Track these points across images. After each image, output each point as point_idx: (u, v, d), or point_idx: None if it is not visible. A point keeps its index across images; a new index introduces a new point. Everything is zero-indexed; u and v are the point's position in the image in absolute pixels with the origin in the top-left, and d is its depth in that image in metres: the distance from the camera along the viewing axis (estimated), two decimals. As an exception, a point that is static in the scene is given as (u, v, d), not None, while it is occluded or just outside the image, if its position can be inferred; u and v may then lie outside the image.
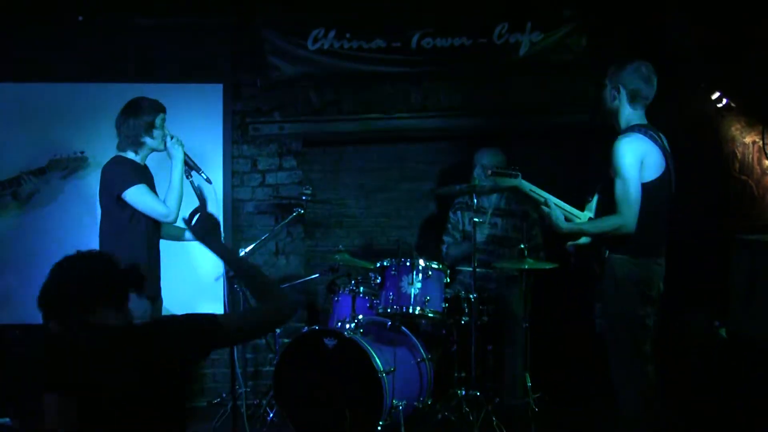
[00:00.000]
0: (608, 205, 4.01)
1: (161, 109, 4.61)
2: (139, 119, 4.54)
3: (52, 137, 5.78)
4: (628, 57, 4.15)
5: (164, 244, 4.82)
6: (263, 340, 5.90)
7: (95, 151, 5.45)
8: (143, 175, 4.57)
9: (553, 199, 4.22)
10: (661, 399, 4.00)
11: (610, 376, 4.02)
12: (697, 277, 5.47)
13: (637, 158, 3.91)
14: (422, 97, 6.28)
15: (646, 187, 3.94)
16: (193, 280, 5.95)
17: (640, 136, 3.97)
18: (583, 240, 4.38)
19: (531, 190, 4.21)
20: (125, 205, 4.45)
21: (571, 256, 4.57)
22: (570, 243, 4.46)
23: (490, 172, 4.27)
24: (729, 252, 5.03)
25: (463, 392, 5.06)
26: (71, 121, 5.85)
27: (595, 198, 4.28)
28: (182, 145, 4.63)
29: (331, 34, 6.05)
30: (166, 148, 4.62)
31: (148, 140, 4.58)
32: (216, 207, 4.66)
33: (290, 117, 6.24)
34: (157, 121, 4.57)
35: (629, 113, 4.08)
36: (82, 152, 5.62)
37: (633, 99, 4.05)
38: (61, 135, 5.80)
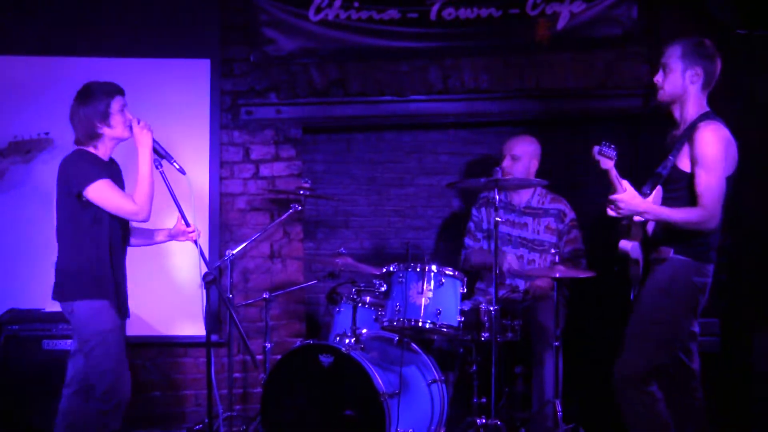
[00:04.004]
0: (679, 201, 4.12)
1: (117, 91, 4.54)
2: (91, 108, 4.47)
3: (11, 116, 5.78)
4: (694, 35, 4.26)
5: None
6: (249, 357, 5.84)
7: (63, 132, 5.36)
8: (108, 170, 4.53)
9: None
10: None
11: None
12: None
13: (724, 149, 4.06)
14: (443, 76, 6.22)
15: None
16: (169, 291, 5.96)
17: (723, 126, 4.11)
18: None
19: (617, 177, 4.21)
20: (87, 205, 4.41)
21: (615, 265, 4.51)
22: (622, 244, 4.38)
23: (598, 150, 4.17)
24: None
25: (483, 420, 4.97)
26: (34, 98, 5.84)
27: (654, 195, 4.25)
28: (151, 131, 4.54)
29: (337, 2, 6.03)
30: (131, 135, 4.53)
31: (106, 131, 4.51)
32: (192, 202, 4.64)
33: (289, 99, 6.20)
34: (113, 106, 4.49)
35: (701, 99, 4.21)
36: (46, 133, 5.56)
37: (706, 83, 4.18)
38: (23, 114, 5.80)
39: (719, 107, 4.26)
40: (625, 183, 4.20)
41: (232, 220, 6.22)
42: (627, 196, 4.11)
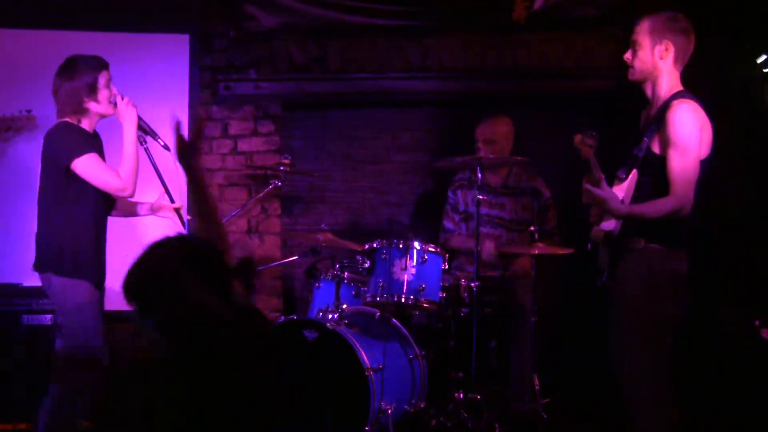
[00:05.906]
0: (653, 186, 3.99)
1: (103, 66, 4.54)
2: (78, 81, 4.47)
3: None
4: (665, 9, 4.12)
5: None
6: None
7: (44, 109, 5.24)
8: (93, 144, 4.54)
9: None
10: (684, 408, 4.02)
11: (620, 390, 4.03)
12: (734, 269, 5.55)
13: (698, 130, 3.89)
14: (421, 54, 6.28)
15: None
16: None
17: (698, 105, 3.94)
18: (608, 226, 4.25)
19: (596, 164, 4.08)
20: (73, 179, 4.42)
21: (589, 242, 4.54)
22: (595, 231, 4.34)
23: (580, 139, 4.15)
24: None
25: (461, 395, 5.07)
26: (12, 73, 5.80)
27: (629, 179, 4.15)
28: (135, 107, 4.56)
29: (318, -21, 6.04)
30: (116, 112, 4.55)
31: (92, 105, 4.52)
32: (176, 179, 4.69)
33: (268, 75, 6.23)
34: (101, 81, 4.50)
35: (673, 77, 4.06)
36: (28, 111, 5.49)
37: (678, 59, 4.04)
38: (2, 91, 5.77)
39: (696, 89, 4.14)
40: (605, 186, 4.05)
41: (211, 195, 6.25)
42: (607, 196, 3.93)
